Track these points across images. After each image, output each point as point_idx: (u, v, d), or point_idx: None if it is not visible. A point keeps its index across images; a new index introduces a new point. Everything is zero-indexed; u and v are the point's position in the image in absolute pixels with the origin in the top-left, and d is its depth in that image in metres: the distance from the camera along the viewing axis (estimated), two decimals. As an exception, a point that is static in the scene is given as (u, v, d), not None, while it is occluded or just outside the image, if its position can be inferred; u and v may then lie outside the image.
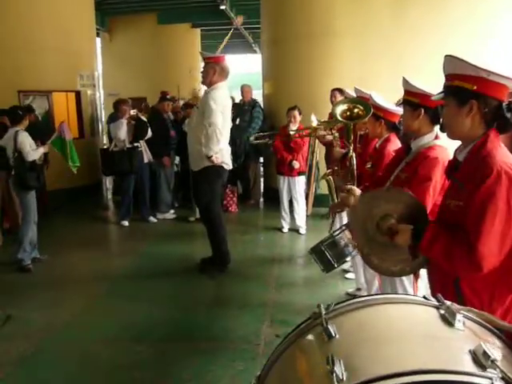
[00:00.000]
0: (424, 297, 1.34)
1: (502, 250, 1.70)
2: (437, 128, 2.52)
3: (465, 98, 1.79)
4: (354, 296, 4.24)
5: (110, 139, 7.59)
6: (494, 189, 1.67)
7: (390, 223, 1.92)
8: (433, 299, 1.32)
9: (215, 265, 5.01)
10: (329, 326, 1.22)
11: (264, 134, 6.97)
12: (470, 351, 1.10)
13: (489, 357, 1.06)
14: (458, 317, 1.20)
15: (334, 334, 1.20)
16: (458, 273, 1.82)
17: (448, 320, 1.21)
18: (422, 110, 2.48)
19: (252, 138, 6.35)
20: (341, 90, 6.63)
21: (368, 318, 1.28)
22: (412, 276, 2.68)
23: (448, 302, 1.28)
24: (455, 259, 1.75)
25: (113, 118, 7.43)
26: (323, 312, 1.29)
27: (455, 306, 1.25)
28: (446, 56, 1.85)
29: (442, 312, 1.25)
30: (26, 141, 5.11)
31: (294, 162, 6.20)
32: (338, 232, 2.78)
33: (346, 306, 1.32)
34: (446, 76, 1.87)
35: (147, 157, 6.99)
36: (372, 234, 2.00)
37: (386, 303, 1.32)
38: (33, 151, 5.15)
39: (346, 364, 1.08)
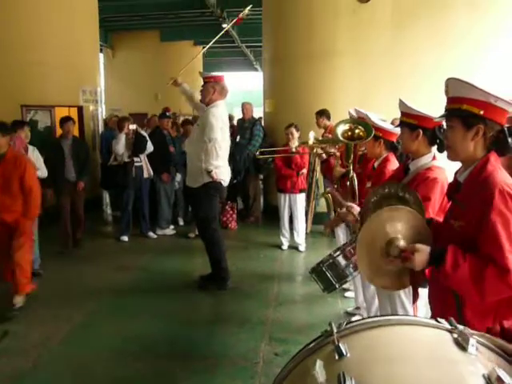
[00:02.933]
0: (436, 320, 1.34)
1: None
2: (434, 149, 2.56)
3: (472, 122, 1.82)
4: (352, 314, 4.24)
5: (103, 154, 7.71)
6: (501, 209, 1.71)
7: (402, 245, 1.86)
8: (445, 322, 1.31)
9: (215, 282, 5.01)
10: (340, 345, 1.21)
11: (269, 150, 7.01)
12: (483, 375, 1.09)
13: (503, 382, 1.05)
14: (472, 341, 1.19)
15: (345, 353, 1.19)
16: (485, 295, 1.75)
17: (461, 344, 1.20)
18: (421, 131, 2.51)
19: (258, 153, 6.41)
20: (321, 113, 6.78)
21: (380, 338, 1.27)
22: (411, 296, 2.70)
23: (461, 326, 1.27)
24: (486, 282, 1.71)
25: (107, 134, 7.56)
26: (335, 330, 1.29)
27: (468, 331, 1.24)
28: (452, 79, 1.88)
29: (455, 336, 1.24)
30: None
31: (303, 171, 6.25)
32: (338, 252, 2.79)
33: (358, 326, 1.31)
34: (451, 98, 1.89)
35: (147, 172, 7.02)
36: (377, 257, 1.94)
37: (398, 324, 1.31)
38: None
39: (358, 382, 1.07)
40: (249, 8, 5.27)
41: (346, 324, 1.33)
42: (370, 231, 1.96)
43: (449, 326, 1.28)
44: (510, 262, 1.69)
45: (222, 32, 5.49)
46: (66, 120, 6.41)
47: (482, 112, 1.79)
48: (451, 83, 1.88)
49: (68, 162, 6.28)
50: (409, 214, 1.94)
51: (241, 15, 5.35)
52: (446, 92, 1.92)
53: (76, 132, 8.80)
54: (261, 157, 6.92)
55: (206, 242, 5.07)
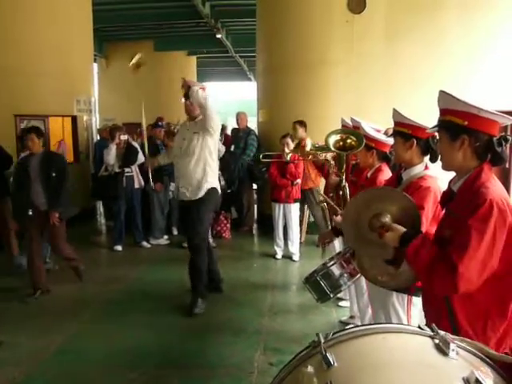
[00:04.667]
0: (419, 326, 1.37)
1: (480, 277, 1.73)
2: (426, 159, 2.59)
3: (456, 133, 1.86)
4: (346, 324, 4.25)
5: (96, 164, 7.71)
6: (485, 218, 1.72)
7: (383, 221, 1.94)
8: (427, 329, 1.35)
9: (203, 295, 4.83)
10: (327, 355, 1.25)
11: (271, 154, 7.04)
12: (463, 379, 1.13)
13: None
14: (452, 346, 1.24)
15: (332, 363, 1.23)
16: (432, 288, 1.86)
17: (442, 349, 1.25)
18: (415, 141, 2.54)
19: (261, 156, 6.45)
20: (301, 122, 6.81)
21: (366, 346, 1.31)
22: (406, 304, 2.71)
23: (442, 332, 1.31)
24: (435, 274, 1.78)
25: (100, 144, 7.56)
26: (322, 341, 1.32)
27: (449, 336, 1.29)
28: (440, 91, 1.92)
29: (437, 341, 1.28)
30: None
31: (297, 181, 6.27)
32: (332, 262, 2.79)
33: (344, 335, 1.35)
34: (440, 110, 1.94)
35: (138, 182, 7.04)
36: (363, 231, 2.02)
37: (382, 332, 1.35)
38: None
39: None
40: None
41: (333, 334, 1.36)
42: (362, 201, 2.06)
43: (430, 333, 1.32)
44: (463, 264, 1.70)
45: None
46: (27, 132, 5.06)
47: (466, 123, 1.82)
48: (440, 95, 1.93)
49: (35, 184, 4.98)
50: (402, 197, 2.04)
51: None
52: (438, 104, 1.96)
53: (69, 142, 8.83)
54: (264, 160, 6.93)
55: (198, 255, 4.79)
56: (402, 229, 1.90)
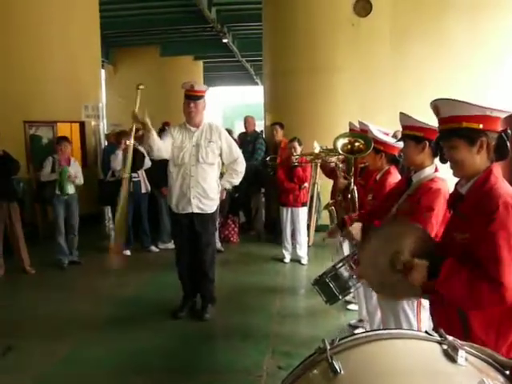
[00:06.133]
0: (426, 332, 1.35)
1: None
2: (436, 160, 2.57)
3: (474, 138, 1.84)
4: (355, 327, 4.23)
5: (103, 169, 7.73)
6: (505, 222, 1.71)
7: (404, 260, 1.87)
8: (435, 334, 1.32)
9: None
10: (334, 362, 1.22)
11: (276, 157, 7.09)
12: None
13: None
14: (461, 352, 1.21)
15: (339, 370, 1.20)
16: (479, 307, 1.78)
17: (450, 355, 1.21)
18: (427, 144, 2.53)
19: (268, 159, 6.48)
20: (281, 125, 6.82)
21: (372, 353, 1.28)
22: (416, 308, 2.70)
23: (450, 338, 1.28)
24: (478, 293, 1.72)
25: (108, 150, 7.58)
26: (328, 347, 1.30)
27: (457, 342, 1.26)
28: (442, 100, 1.89)
29: (445, 347, 1.25)
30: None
31: (305, 184, 6.27)
32: (340, 264, 2.79)
33: (351, 342, 1.32)
34: (446, 118, 1.89)
35: (145, 187, 7.07)
36: (383, 270, 1.94)
37: (389, 338, 1.32)
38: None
39: None
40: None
41: (339, 340, 1.34)
42: (376, 245, 1.97)
43: (438, 338, 1.29)
44: (504, 276, 1.68)
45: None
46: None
47: (481, 126, 1.81)
48: (441, 104, 1.89)
49: None
50: (412, 228, 1.97)
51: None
52: (437, 113, 1.92)
53: (77, 146, 8.88)
54: (271, 163, 6.97)
55: (213, 266, 4.71)
56: (425, 263, 1.84)
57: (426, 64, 7.43)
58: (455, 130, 1.87)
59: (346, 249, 4.66)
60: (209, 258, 4.62)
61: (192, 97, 4.37)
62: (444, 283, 1.78)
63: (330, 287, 2.73)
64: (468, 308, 1.81)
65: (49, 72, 8.08)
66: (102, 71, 12.21)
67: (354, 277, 2.73)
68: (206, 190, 4.46)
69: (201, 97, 4.43)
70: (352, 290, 2.88)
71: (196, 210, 4.47)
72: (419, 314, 2.69)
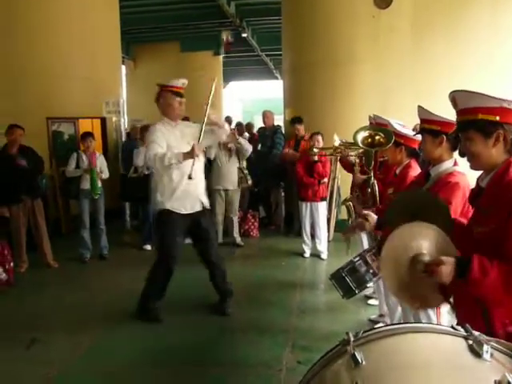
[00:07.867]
0: (452, 326, 1.34)
1: None
2: (455, 154, 2.54)
3: (491, 130, 1.82)
4: (376, 322, 4.21)
5: (124, 166, 7.80)
6: None
7: (426, 260, 1.79)
8: (461, 329, 1.31)
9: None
10: (356, 353, 1.24)
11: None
12: (495, 381, 1.10)
13: None
14: (486, 347, 1.20)
15: (360, 361, 1.22)
16: None
17: (476, 350, 1.21)
18: (444, 137, 2.50)
19: (286, 150, 6.50)
20: (300, 120, 6.85)
21: (395, 346, 1.29)
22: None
23: (476, 333, 1.27)
24: None
25: (127, 145, 7.66)
26: (351, 339, 1.31)
27: (483, 337, 1.25)
28: (459, 92, 1.87)
29: (470, 342, 1.25)
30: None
31: (324, 179, 6.27)
32: (358, 258, 2.78)
33: (374, 334, 1.33)
34: (463, 110, 1.88)
35: None
36: (406, 278, 1.85)
37: (413, 332, 1.32)
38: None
39: None
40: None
41: (363, 333, 1.35)
42: (392, 248, 1.89)
43: (464, 333, 1.28)
44: None
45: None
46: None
47: (497, 118, 1.79)
48: (458, 95, 1.87)
49: None
50: (430, 230, 1.88)
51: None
52: (455, 105, 1.91)
53: (99, 142, 8.97)
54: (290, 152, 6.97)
55: (223, 262, 4.77)
56: (451, 258, 1.77)
57: (447, 55, 7.33)
58: (472, 121, 1.85)
59: (366, 243, 4.64)
60: (218, 252, 4.69)
61: (181, 94, 4.55)
62: (478, 279, 1.71)
63: (347, 281, 2.72)
64: (499, 302, 1.76)
65: (70, 69, 8.16)
66: (123, 67, 12.31)
67: (371, 271, 2.71)
68: (203, 183, 4.56)
69: (182, 94, 4.58)
70: (368, 285, 2.87)
71: (204, 206, 4.50)
72: (439, 308, 2.67)
